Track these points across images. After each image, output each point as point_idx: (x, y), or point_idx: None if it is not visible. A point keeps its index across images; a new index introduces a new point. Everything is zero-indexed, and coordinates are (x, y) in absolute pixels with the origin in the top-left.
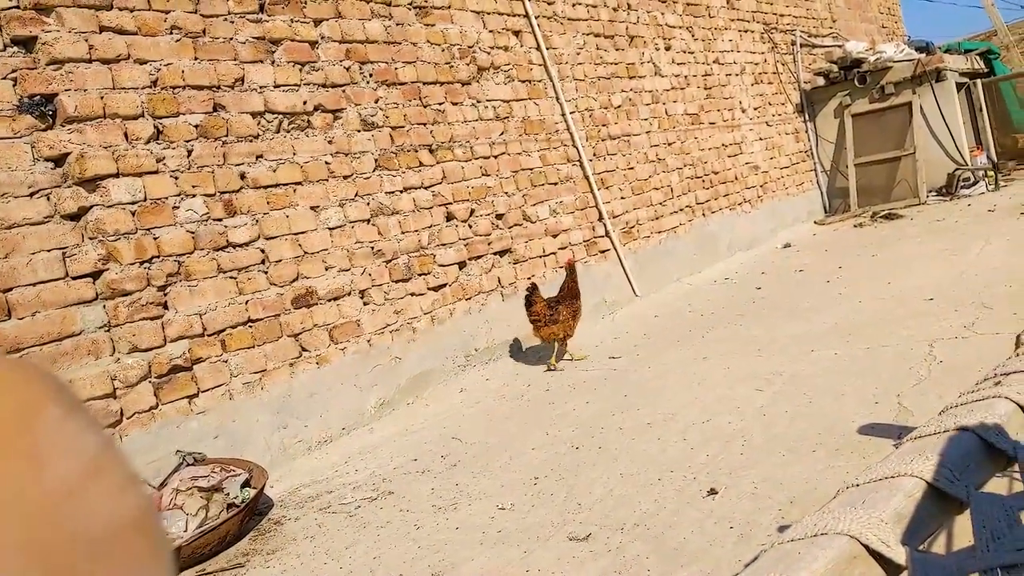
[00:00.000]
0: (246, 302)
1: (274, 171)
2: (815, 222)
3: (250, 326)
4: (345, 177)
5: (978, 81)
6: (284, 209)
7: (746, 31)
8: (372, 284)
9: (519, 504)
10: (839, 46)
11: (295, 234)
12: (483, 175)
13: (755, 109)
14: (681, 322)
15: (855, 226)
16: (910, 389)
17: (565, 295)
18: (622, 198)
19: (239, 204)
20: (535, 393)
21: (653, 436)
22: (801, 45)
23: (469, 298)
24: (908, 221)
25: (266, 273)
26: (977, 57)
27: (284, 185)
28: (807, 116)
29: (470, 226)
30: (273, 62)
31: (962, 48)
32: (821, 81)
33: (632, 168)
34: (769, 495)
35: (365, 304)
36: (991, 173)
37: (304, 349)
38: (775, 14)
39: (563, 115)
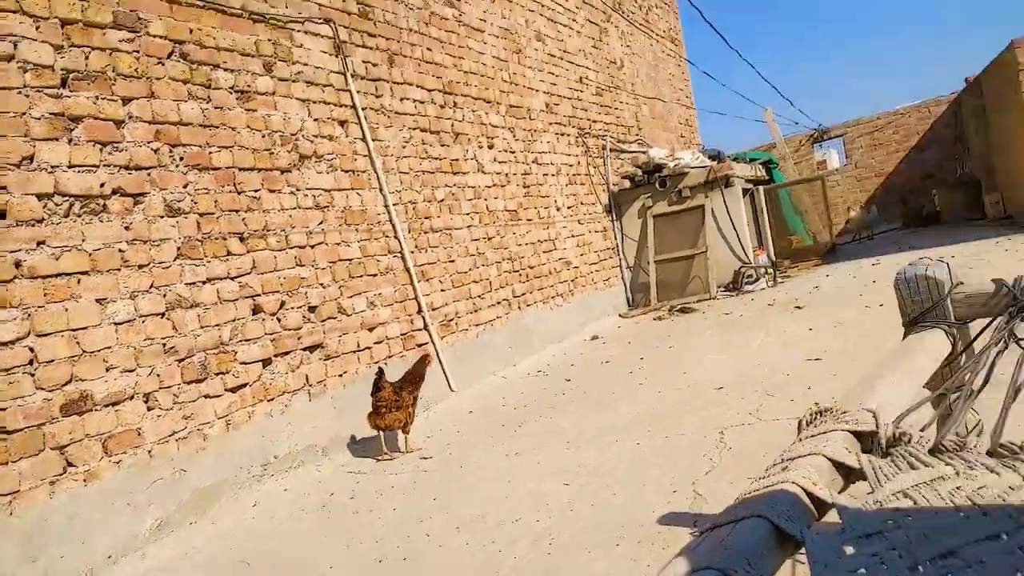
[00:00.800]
0: (3, 410)
1: (56, 259)
2: (620, 315)
3: (4, 439)
4: (140, 267)
5: (760, 187)
6: (64, 302)
7: (563, 135)
8: (160, 386)
9: None
10: (643, 152)
11: (73, 330)
12: (297, 265)
13: (569, 208)
14: (495, 417)
15: (655, 319)
16: (704, 476)
17: (409, 380)
18: (442, 290)
19: (9, 296)
20: (338, 501)
21: (462, 541)
22: (611, 150)
23: (272, 399)
24: (701, 315)
25: (33, 376)
26: (760, 166)
27: (67, 275)
28: (615, 215)
29: (279, 319)
30: (71, 140)
31: (748, 157)
32: (627, 184)
33: (453, 261)
34: None
35: (149, 409)
36: (771, 271)
37: (70, 464)
38: (589, 120)
39: (386, 206)
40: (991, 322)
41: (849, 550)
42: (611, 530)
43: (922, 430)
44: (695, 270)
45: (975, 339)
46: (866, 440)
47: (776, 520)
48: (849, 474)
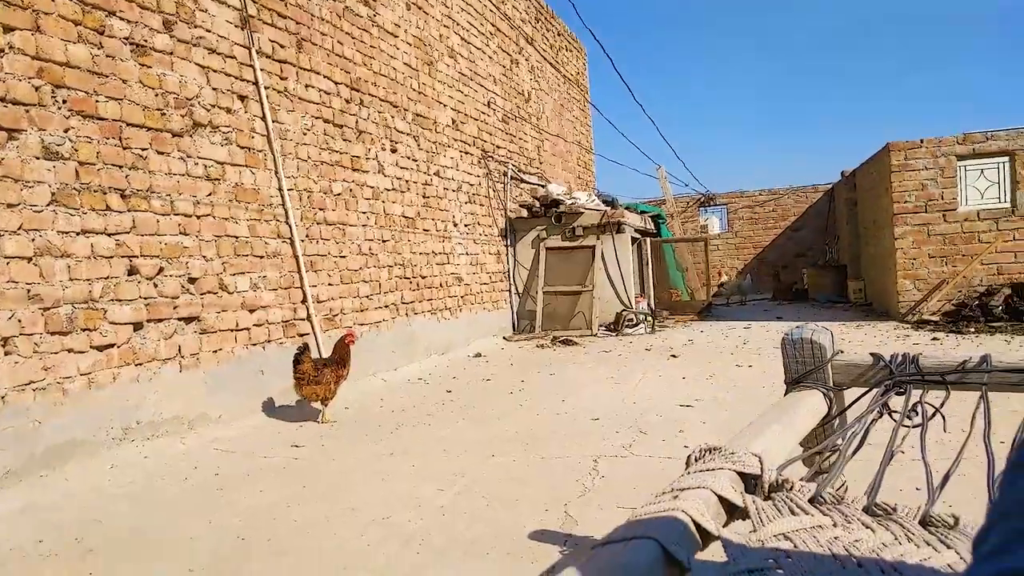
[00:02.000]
0: None
1: None
2: (504, 338)
3: None
4: (10, 206)
5: (648, 239)
6: None
7: (467, 153)
8: (20, 332)
9: None
10: (543, 185)
11: None
12: (181, 233)
13: (466, 226)
14: (372, 417)
15: (538, 346)
16: (576, 499)
17: (335, 360)
18: (330, 284)
19: None
20: (203, 477)
21: (330, 531)
22: (512, 177)
23: (140, 364)
24: (582, 348)
25: None
26: (650, 218)
27: None
28: (509, 241)
29: (155, 285)
30: None
31: (639, 209)
32: (525, 213)
33: (344, 257)
34: None
35: (7, 354)
36: (650, 318)
37: None
38: (493, 144)
39: (280, 190)
40: (867, 392)
41: None
42: (483, 539)
43: (804, 479)
44: (580, 306)
45: (850, 405)
46: (749, 482)
47: (666, 544)
48: (732, 511)
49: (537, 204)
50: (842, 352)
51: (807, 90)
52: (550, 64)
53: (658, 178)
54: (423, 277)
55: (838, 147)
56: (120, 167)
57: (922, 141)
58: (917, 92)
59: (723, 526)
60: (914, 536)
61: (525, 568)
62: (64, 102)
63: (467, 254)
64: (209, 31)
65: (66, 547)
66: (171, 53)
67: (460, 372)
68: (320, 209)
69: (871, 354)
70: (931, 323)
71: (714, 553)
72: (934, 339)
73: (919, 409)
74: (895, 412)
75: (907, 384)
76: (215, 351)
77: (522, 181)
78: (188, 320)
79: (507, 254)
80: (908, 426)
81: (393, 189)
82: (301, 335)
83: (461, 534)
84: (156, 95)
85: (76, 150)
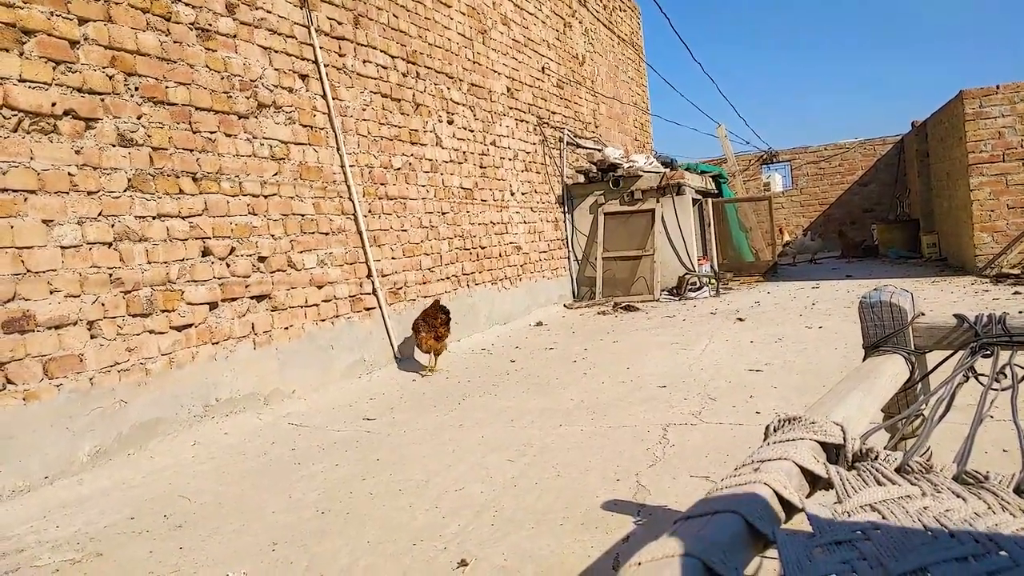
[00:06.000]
0: None
1: (3, 174)
2: (564, 305)
3: None
4: (90, 193)
5: (709, 200)
6: (9, 218)
7: (522, 121)
8: (104, 315)
9: (253, 572)
10: (599, 150)
11: (18, 248)
12: (250, 214)
13: (523, 194)
14: (438, 388)
15: (599, 313)
16: (647, 469)
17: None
18: (393, 258)
19: None
20: (280, 452)
21: (404, 503)
22: (567, 143)
23: (217, 342)
24: (644, 314)
25: None
26: (711, 179)
27: (13, 191)
28: (567, 208)
29: (228, 265)
30: (22, 54)
31: (699, 169)
32: (582, 178)
33: (406, 230)
34: (518, 568)
35: (93, 337)
36: (713, 281)
37: (10, 381)
38: (548, 110)
39: (343, 167)
40: (951, 355)
41: (819, 555)
42: (554, 509)
43: (887, 447)
44: (641, 271)
45: (933, 369)
46: (831, 452)
47: (750, 518)
48: (815, 482)
49: (594, 169)
50: (924, 314)
51: (877, 37)
52: (604, 25)
53: (718, 137)
54: (482, 248)
55: (908, 98)
56: (191, 151)
57: (998, 87)
58: (994, 37)
59: (806, 497)
60: (1009, 505)
61: (599, 538)
62: (136, 89)
63: (525, 223)
64: (270, 12)
65: (157, 523)
66: (234, 36)
67: (522, 341)
68: (381, 184)
69: (955, 315)
70: (1011, 277)
71: (798, 524)
72: (1015, 293)
73: (1007, 371)
74: (982, 375)
75: (994, 346)
76: (286, 328)
77: (578, 146)
78: (260, 298)
79: (565, 221)
80: (996, 389)
81: (451, 161)
82: (367, 309)
83: (533, 504)
84: (222, 78)
85: (149, 136)
